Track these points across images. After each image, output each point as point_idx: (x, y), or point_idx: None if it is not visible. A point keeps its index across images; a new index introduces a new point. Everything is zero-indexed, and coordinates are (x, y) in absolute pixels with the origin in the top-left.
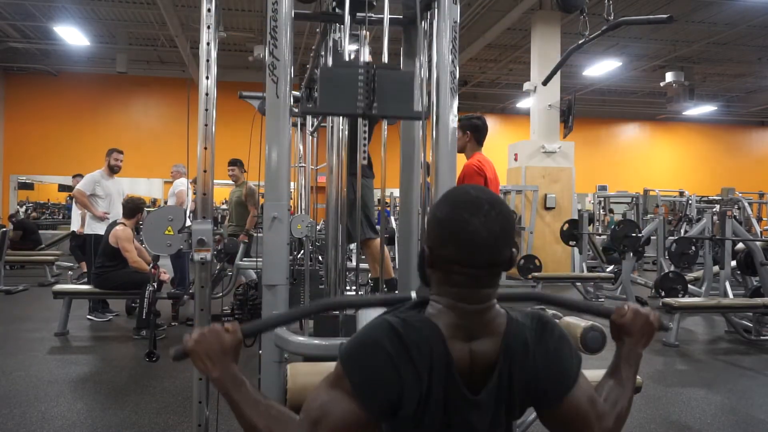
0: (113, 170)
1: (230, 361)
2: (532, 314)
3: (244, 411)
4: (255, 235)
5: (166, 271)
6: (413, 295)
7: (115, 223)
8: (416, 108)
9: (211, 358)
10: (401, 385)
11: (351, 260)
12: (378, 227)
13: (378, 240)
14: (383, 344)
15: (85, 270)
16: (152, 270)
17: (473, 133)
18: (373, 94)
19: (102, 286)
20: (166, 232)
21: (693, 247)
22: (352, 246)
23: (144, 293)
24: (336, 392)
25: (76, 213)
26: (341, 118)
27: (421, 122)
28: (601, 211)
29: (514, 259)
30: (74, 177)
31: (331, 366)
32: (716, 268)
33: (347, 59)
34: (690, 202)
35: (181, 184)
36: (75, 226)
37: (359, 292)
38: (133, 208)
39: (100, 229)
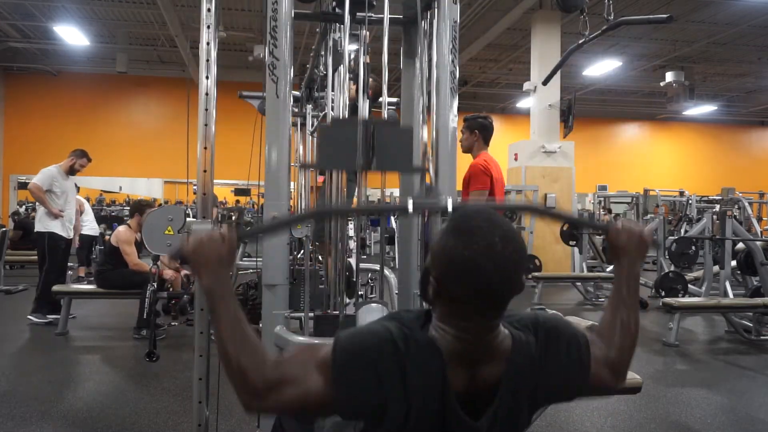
0: (73, 172)
1: (224, 271)
2: (534, 324)
3: (221, 328)
4: None
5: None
6: (409, 204)
7: (120, 223)
8: (416, 108)
9: (205, 266)
10: (384, 399)
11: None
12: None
13: None
14: (379, 354)
15: (82, 274)
16: (152, 270)
17: (481, 132)
18: (372, 151)
19: (102, 285)
20: (166, 232)
21: (693, 247)
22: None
23: (144, 293)
24: (316, 372)
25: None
26: (341, 116)
27: (421, 122)
28: (601, 211)
29: (523, 285)
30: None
31: None
32: (716, 268)
33: (347, 59)
34: (690, 202)
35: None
36: (83, 229)
37: (359, 293)
38: (134, 208)
39: (54, 227)
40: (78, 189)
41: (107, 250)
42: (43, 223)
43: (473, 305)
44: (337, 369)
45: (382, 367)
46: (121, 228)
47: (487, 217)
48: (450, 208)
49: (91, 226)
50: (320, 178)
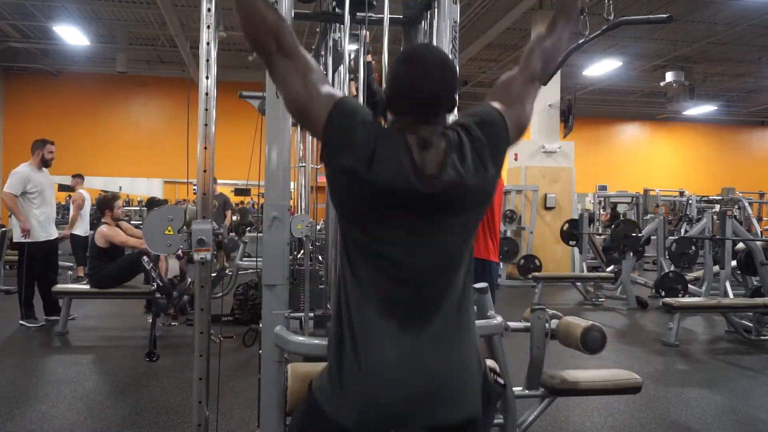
0: (47, 164)
1: None
2: (462, 125)
3: None
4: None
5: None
6: None
7: (99, 223)
8: None
9: None
10: (357, 136)
11: None
12: None
13: None
14: (364, 116)
15: (82, 274)
16: (150, 270)
17: None
18: None
19: (99, 284)
20: (166, 232)
21: (693, 247)
22: None
23: (144, 267)
24: (325, 96)
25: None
26: None
27: None
28: (602, 210)
29: (455, 101)
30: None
31: None
32: (716, 267)
33: (347, 59)
34: (690, 201)
35: None
36: (78, 228)
37: None
38: (102, 204)
39: (34, 234)
40: (83, 179)
41: (94, 252)
42: (19, 231)
43: (412, 115)
44: (339, 104)
45: (362, 120)
46: (103, 228)
47: (428, 49)
48: None
49: (83, 228)
50: (321, 178)
